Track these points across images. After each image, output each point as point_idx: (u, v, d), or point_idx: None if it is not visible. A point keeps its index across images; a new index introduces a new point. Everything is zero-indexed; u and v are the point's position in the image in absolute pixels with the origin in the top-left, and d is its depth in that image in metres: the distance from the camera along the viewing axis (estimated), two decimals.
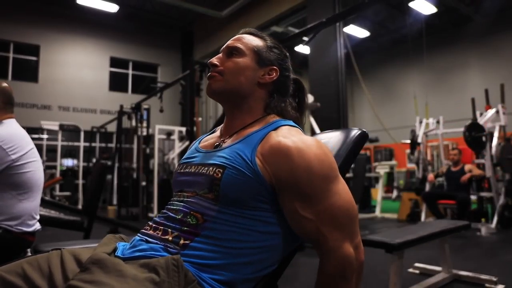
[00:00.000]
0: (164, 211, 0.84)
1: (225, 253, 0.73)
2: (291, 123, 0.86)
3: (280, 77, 0.89)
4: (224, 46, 0.91)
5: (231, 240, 0.75)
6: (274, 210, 0.78)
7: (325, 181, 0.75)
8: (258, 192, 0.76)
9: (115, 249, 0.81)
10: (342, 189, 0.76)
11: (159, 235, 0.78)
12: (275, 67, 0.89)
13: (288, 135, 0.79)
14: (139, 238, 0.81)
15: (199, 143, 0.96)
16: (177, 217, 0.78)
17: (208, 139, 0.95)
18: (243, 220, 0.76)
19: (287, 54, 0.94)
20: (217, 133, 0.95)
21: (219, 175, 0.76)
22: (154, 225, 0.81)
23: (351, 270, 0.73)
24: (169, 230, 0.77)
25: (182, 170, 0.88)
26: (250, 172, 0.75)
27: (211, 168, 0.79)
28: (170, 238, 0.75)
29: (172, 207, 0.82)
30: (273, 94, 0.89)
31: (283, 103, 0.90)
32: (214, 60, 0.89)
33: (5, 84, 1.66)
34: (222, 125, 0.95)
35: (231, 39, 0.92)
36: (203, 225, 0.75)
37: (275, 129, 0.82)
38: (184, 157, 0.94)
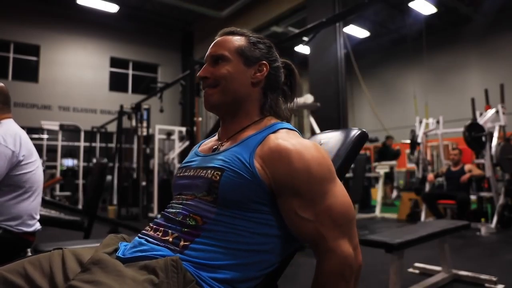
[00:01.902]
0: (164, 213, 0.84)
1: (224, 254, 0.74)
2: (289, 126, 0.87)
3: (271, 70, 0.89)
4: (207, 54, 0.89)
5: (231, 241, 0.75)
6: (273, 213, 0.78)
7: (324, 182, 0.75)
8: (256, 195, 0.76)
9: (116, 250, 0.81)
10: (340, 191, 0.77)
11: (159, 236, 0.78)
12: (264, 62, 0.88)
13: (287, 138, 0.79)
14: (139, 238, 0.81)
15: (198, 147, 0.97)
16: (177, 219, 0.79)
17: (207, 143, 0.96)
18: (242, 222, 0.76)
19: (271, 44, 0.93)
20: (215, 137, 0.96)
21: (217, 177, 0.77)
22: (154, 226, 0.82)
23: (351, 270, 0.73)
24: (169, 231, 0.78)
25: (181, 174, 0.89)
26: (249, 174, 0.76)
27: (209, 171, 0.80)
28: (171, 239, 0.76)
29: (171, 210, 0.83)
30: (267, 92, 0.89)
31: (277, 103, 0.90)
32: (202, 72, 0.88)
33: (1, 84, 1.66)
34: (220, 129, 0.95)
35: (212, 44, 0.90)
36: (202, 226, 0.76)
37: (274, 131, 0.83)
38: (183, 161, 0.95)
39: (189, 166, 0.89)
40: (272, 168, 0.76)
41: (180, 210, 0.80)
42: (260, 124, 0.87)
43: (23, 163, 1.55)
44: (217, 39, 0.91)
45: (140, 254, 0.74)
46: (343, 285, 0.72)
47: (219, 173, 0.77)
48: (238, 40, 0.88)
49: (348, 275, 0.72)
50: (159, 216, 0.86)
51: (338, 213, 0.74)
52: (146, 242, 0.78)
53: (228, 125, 0.90)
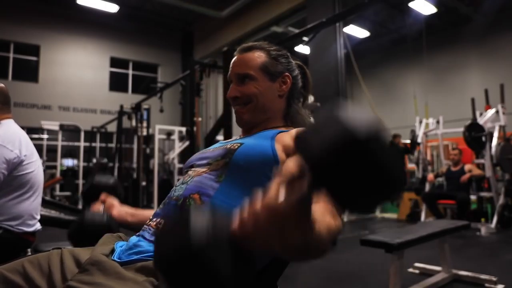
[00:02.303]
0: (166, 200, 0.85)
1: None
2: None
3: (293, 80, 0.95)
4: (231, 73, 0.93)
5: None
6: None
7: None
8: (269, 169, 0.76)
9: (113, 250, 0.81)
10: None
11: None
12: (287, 74, 0.93)
13: None
14: (136, 237, 0.81)
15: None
16: (178, 203, 0.79)
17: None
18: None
19: (288, 54, 0.96)
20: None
21: (236, 147, 0.81)
22: (157, 219, 0.82)
23: (339, 226, 0.62)
24: None
25: (200, 151, 0.94)
26: (268, 150, 0.79)
27: (229, 144, 0.85)
28: None
29: (174, 193, 0.83)
30: (290, 100, 0.95)
31: (298, 111, 0.96)
32: (232, 92, 0.91)
33: (1, 85, 1.66)
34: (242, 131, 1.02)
35: (235, 63, 0.93)
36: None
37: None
38: None
39: (209, 148, 0.94)
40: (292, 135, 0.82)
41: (182, 192, 0.80)
42: (284, 128, 0.94)
43: (24, 163, 1.55)
44: (238, 56, 0.93)
45: (136, 257, 0.74)
46: (329, 218, 0.59)
47: (239, 144, 0.82)
48: (260, 57, 0.91)
49: (336, 223, 0.60)
50: (161, 206, 0.86)
51: None
52: (141, 243, 0.77)
53: (252, 128, 0.95)
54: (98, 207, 1.07)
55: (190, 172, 0.86)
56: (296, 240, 0.43)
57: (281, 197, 0.42)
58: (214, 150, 0.88)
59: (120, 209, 1.07)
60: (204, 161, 0.85)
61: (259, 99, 0.90)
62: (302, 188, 0.42)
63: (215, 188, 0.77)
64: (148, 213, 1.06)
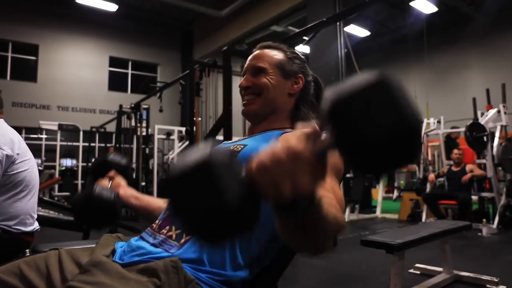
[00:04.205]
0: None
1: (222, 253, 0.74)
2: None
3: (305, 83, 0.96)
4: (248, 65, 0.96)
5: None
6: None
7: (338, 167, 0.77)
8: None
9: (113, 251, 0.81)
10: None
11: (164, 232, 0.79)
12: (300, 75, 0.95)
13: None
14: (136, 239, 0.81)
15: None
16: None
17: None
18: None
19: (305, 59, 1.00)
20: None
21: (239, 148, 0.82)
22: (160, 222, 0.83)
23: (343, 223, 0.66)
24: (174, 226, 0.79)
25: None
26: None
27: (231, 146, 0.86)
28: (174, 236, 0.77)
29: None
30: (299, 103, 0.96)
31: (307, 114, 0.96)
32: (245, 82, 0.94)
33: None
34: (248, 129, 1.03)
35: (252, 57, 0.96)
36: None
37: None
38: None
39: None
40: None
41: None
42: (289, 129, 0.94)
43: (17, 162, 1.53)
44: (256, 51, 0.97)
45: (138, 258, 0.75)
46: (335, 210, 0.64)
47: (242, 146, 0.83)
48: (277, 55, 0.95)
49: (343, 208, 0.68)
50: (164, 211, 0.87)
51: (339, 196, 0.73)
52: (143, 245, 0.78)
53: (258, 125, 0.95)
54: (105, 183, 1.05)
55: None
56: (306, 186, 0.42)
57: (300, 144, 0.43)
58: None
59: (126, 190, 1.06)
60: None
61: (269, 92, 0.91)
62: (321, 143, 0.42)
63: None
64: (152, 200, 1.05)
